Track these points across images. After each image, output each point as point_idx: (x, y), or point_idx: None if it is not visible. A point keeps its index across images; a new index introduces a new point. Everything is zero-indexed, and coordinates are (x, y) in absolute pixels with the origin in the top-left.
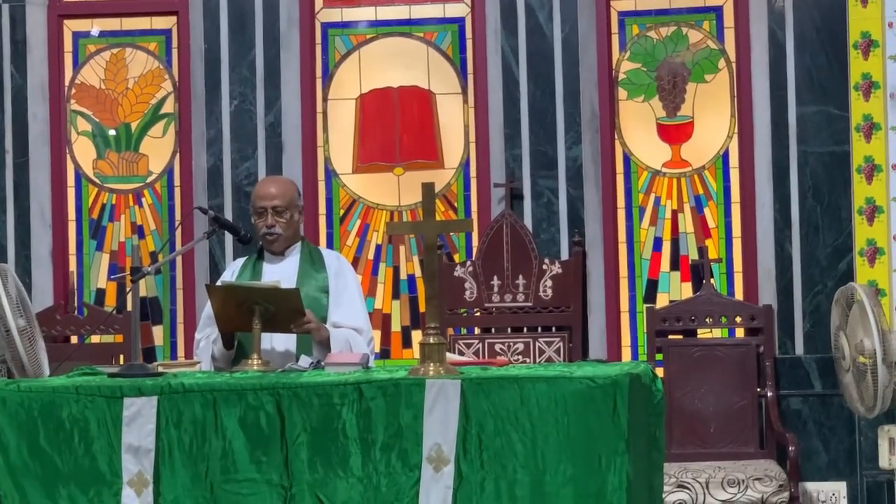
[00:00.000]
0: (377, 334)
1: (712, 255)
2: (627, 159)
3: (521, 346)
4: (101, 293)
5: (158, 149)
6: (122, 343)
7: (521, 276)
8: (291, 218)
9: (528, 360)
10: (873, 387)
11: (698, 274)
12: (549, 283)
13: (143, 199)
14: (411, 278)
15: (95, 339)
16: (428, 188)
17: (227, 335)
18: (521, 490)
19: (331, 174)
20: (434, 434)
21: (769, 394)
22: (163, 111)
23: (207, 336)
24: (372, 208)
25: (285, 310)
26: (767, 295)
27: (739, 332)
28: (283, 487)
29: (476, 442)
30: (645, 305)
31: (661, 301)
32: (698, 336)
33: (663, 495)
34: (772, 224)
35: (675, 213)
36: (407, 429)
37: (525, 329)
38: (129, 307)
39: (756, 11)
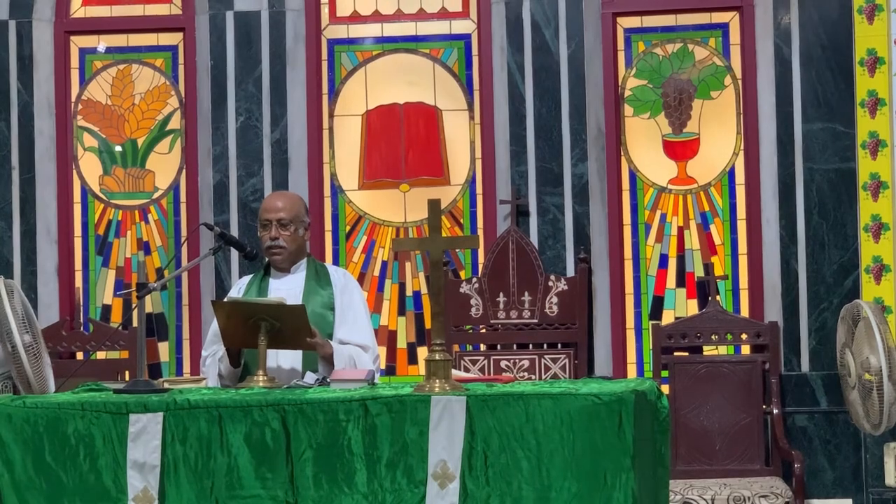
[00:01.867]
0: (383, 351)
1: (718, 271)
2: (633, 176)
3: (526, 363)
4: (106, 309)
5: (164, 165)
6: (127, 359)
7: (526, 293)
8: (296, 232)
9: (533, 376)
10: (879, 404)
11: (704, 291)
12: (555, 299)
13: (150, 215)
14: (417, 295)
15: (101, 355)
16: (434, 204)
17: (234, 352)
18: None
19: (337, 190)
20: (439, 450)
21: (775, 411)
22: (169, 127)
23: (214, 353)
24: (378, 224)
25: (291, 326)
26: (773, 312)
27: (745, 349)
28: None
29: (481, 458)
30: (650, 322)
31: (667, 318)
32: (704, 353)
33: None
34: (777, 241)
35: (680, 230)
36: (412, 445)
37: (530, 346)
38: (135, 323)
39: (762, 28)
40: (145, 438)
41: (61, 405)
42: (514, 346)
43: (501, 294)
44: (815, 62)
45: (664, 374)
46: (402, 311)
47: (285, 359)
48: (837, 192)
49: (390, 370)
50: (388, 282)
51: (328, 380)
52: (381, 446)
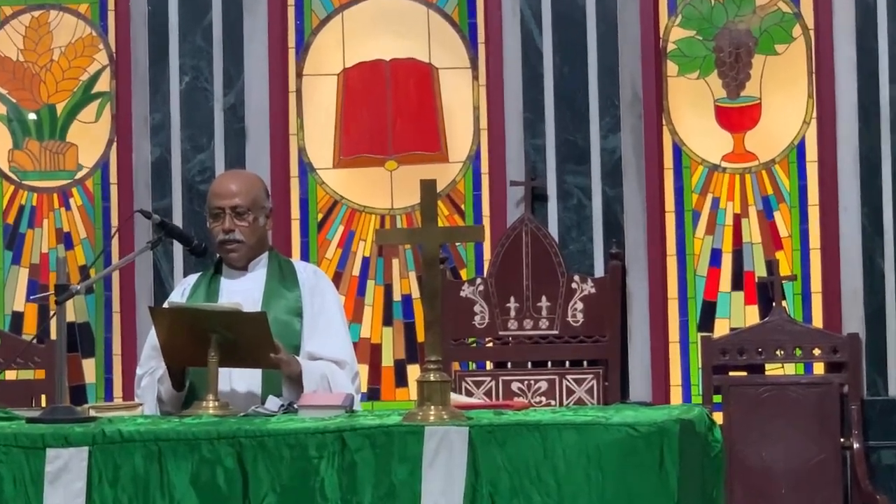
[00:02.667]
0: (364, 369)
1: (784, 271)
2: (678, 151)
3: (544, 385)
4: (17, 317)
5: (90, 137)
6: (44, 380)
7: (544, 298)
8: (255, 222)
9: (552, 402)
10: None
11: (767, 295)
12: (580, 305)
13: (72, 200)
14: (407, 299)
15: (10, 374)
16: (428, 187)
17: (177, 371)
18: None
19: (306, 169)
20: (435, 494)
21: (855, 445)
22: (96, 90)
23: (151, 372)
24: (358, 212)
25: (249, 338)
26: (853, 321)
27: (818, 368)
28: None
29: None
30: (700, 334)
31: (720, 329)
32: (766, 373)
33: None
34: (859, 232)
35: (737, 219)
36: (401, 488)
37: (549, 363)
38: (54, 335)
39: None
40: (66, 479)
41: None
42: (529, 365)
43: (513, 299)
44: None
45: (717, 399)
46: (388, 321)
47: (241, 380)
48: None
49: (373, 394)
50: (370, 283)
51: (295, 406)
52: (361, 490)
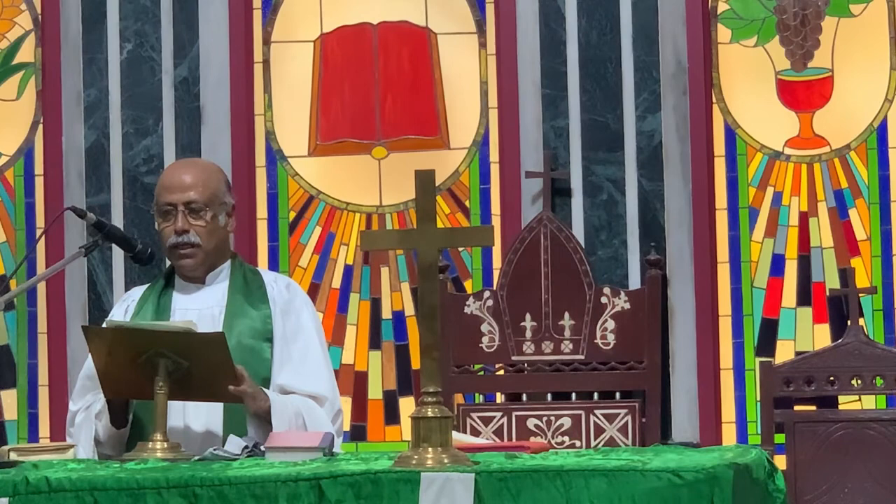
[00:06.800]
0: (346, 404)
1: (862, 281)
2: (731, 134)
3: (567, 422)
4: None
5: (10, 118)
6: None
7: (567, 315)
8: (214, 221)
9: (577, 442)
10: None
11: (840, 311)
12: (611, 324)
13: None
14: (399, 317)
15: None
16: (424, 179)
17: (118, 405)
18: None
19: (276, 157)
20: None
21: None
22: (17, 60)
23: (87, 407)
24: (339, 209)
25: (206, 366)
26: None
27: None
28: None
29: None
30: (758, 360)
31: (784, 353)
32: (840, 407)
33: None
34: None
35: (804, 218)
36: None
37: (574, 395)
38: None
39: None
40: None
41: None
42: (549, 397)
43: (529, 316)
44: None
45: (779, 439)
46: (375, 344)
47: (197, 416)
48: None
49: (358, 433)
50: (353, 298)
51: (263, 448)
52: None
